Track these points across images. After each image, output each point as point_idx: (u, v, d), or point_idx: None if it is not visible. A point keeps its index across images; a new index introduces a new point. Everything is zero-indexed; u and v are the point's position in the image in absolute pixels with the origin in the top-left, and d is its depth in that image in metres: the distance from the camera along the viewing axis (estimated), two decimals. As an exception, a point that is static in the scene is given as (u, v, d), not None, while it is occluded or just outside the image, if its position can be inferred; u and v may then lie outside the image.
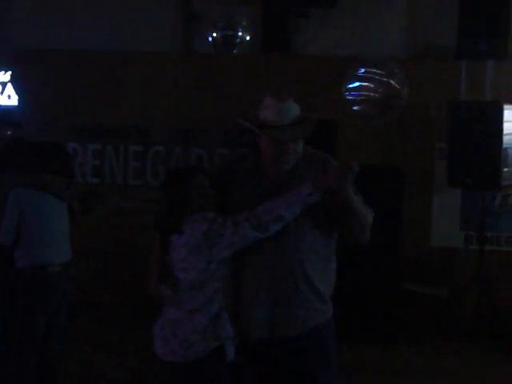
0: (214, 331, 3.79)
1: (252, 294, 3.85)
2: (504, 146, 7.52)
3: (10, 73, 8.93)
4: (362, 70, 7.76)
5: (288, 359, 3.91)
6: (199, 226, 3.74)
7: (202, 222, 3.75)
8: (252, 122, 3.95)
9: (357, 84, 7.71)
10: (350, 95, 7.76)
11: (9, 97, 8.95)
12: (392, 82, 7.71)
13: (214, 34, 8.76)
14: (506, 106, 7.54)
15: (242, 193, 3.91)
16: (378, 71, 7.72)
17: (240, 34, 8.69)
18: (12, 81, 8.94)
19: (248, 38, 8.75)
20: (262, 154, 3.95)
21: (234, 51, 8.82)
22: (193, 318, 3.78)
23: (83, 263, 5.85)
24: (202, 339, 3.78)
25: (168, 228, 3.83)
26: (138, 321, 7.87)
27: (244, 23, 8.84)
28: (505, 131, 7.51)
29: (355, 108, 7.79)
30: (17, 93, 8.93)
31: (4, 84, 8.94)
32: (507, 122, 7.56)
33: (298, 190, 3.74)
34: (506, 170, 7.58)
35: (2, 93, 8.95)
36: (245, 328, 3.87)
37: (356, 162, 3.73)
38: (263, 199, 3.79)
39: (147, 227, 8.31)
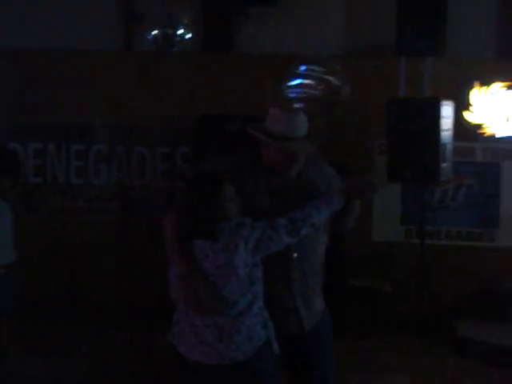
0: (258, 330, 3.89)
1: (283, 291, 4.10)
2: (442, 141, 7.64)
3: None
4: (303, 68, 7.82)
5: (311, 345, 4.22)
6: (237, 232, 3.81)
7: (239, 227, 3.82)
8: (260, 132, 4.16)
9: (298, 81, 7.77)
10: (291, 93, 7.81)
11: None
12: (332, 79, 7.78)
13: (155, 33, 8.73)
14: (443, 103, 7.66)
15: (254, 198, 4.05)
16: (319, 69, 7.79)
17: (180, 32, 8.67)
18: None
19: (188, 36, 8.74)
20: (263, 160, 4.17)
21: (175, 49, 8.79)
22: (236, 322, 3.84)
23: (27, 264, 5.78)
24: (247, 340, 3.85)
25: (203, 236, 3.82)
26: (82, 319, 7.89)
27: (185, 21, 8.82)
28: (443, 127, 7.63)
29: (296, 105, 7.84)
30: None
31: None
32: (445, 118, 7.69)
33: (328, 198, 4.01)
34: (444, 165, 7.70)
35: None
36: (279, 324, 4.04)
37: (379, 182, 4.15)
38: (277, 204, 4.01)
39: (91, 226, 8.41)
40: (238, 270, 3.80)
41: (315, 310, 4.26)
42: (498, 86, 8.18)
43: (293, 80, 7.81)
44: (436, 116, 7.60)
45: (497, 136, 8.32)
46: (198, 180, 3.96)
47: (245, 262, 3.81)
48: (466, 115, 8.29)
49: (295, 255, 4.12)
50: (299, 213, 3.91)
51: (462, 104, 8.19)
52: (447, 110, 7.76)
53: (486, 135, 8.34)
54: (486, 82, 8.19)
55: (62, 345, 7.38)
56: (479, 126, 8.35)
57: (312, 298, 4.26)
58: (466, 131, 8.32)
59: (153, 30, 8.69)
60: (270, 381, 3.95)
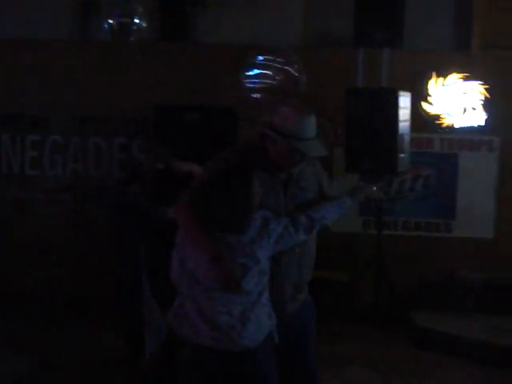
0: (265, 320, 4.01)
1: (281, 287, 4.28)
2: (400, 132, 7.65)
3: None
4: (261, 58, 7.79)
5: (295, 331, 4.42)
6: (264, 226, 3.95)
7: (265, 221, 3.97)
8: (268, 128, 4.21)
9: (256, 72, 7.74)
10: (248, 83, 7.78)
11: None
12: (290, 69, 7.77)
13: (111, 22, 8.63)
14: (401, 93, 7.67)
15: (266, 192, 4.13)
16: (277, 59, 7.77)
17: (136, 21, 8.59)
18: None
19: (144, 25, 8.66)
20: (269, 155, 4.24)
21: (131, 39, 8.70)
22: (248, 311, 3.93)
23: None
24: (257, 329, 3.95)
25: (234, 229, 3.89)
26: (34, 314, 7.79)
27: (140, 10, 8.73)
28: (400, 118, 7.64)
29: (254, 95, 7.82)
30: None
31: None
32: (403, 108, 7.70)
33: (341, 202, 4.29)
34: (402, 155, 7.71)
35: None
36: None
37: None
38: (282, 198, 4.22)
39: (47, 217, 8.31)
40: (259, 262, 3.93)
41: (301, 298, 4.48)
42: (454, 77, 8.22)
43: (251, 70, 7.79)
44: (394, 107, 7.60)
45: (454, 127, 8.37)
46: (227, 174, 3.94)
47: (266, 254, 3.97)
48: (425, 106, 8.33)
49: (297, 250, 4.29)
50: (316, 212, 4.14)
51: (419, 95, 8.22)
52: (405, 101, 7.76)
53: (443, 126, 8.38)
54: (442, 73, 8.23)
55: (11, 339, 7.29)
56: (437, 117, 8.39)
57: (303, 288, 4.49)
58: (424, 122, 8.36)
59: (109, 19, 8.59)
60: (272, 369, 4.06)
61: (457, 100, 8.27)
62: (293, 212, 4.20)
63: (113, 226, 6.81)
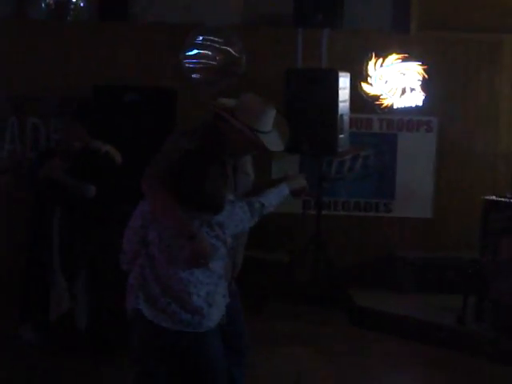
0: (222, 300, 4.09)
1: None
2: (339, 112, 7.67)
3: None
4: (200, 38, 7.76)
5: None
6: (234, 208, 4.02)
7: (233, 204, 4.04)
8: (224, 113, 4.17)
9: (195, 52, 7.71)
10: (188, 63, 7.74)
11: None
12: (230, 49, 7.76)
13: (48, 1, 8.49)
14: (341, 74, 7.69)
15: None
16: (216, 39, 7.74)
17: (74, 0, 8.46)
18: None
19: (82, 4, 8.53)
20: (223, 140, 4.22)
21: (69, 18, 8.57)
22: (215, 291, 4.02)
23: None
24: (218, 310, 4.05)
25: (211, 209, 3.93)
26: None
27: (78, -11, 8.61)
28: (340, 98, 7.67)
29: (194, 76, 7.78)
30: None
31: None
32: (342, 89, 7.73)
33: (281, 191, 4.26)
34: (341, 136, 7.74)
35: None
36: None
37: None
38: (232, 182, 4.24)
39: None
40: (225, 244, 4.00)
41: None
42: (393, 58, 8.26)
43: (190, 50, 7.76)
44: (333, 87, 7.63)
45: (393, 107, 8.42)
46: (202, 156, 3.96)
47: (230, 237, 4.03)
48: (364, 87, 8.36)
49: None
50: (265, 199, 4.15)
51: (358, 75, 8.25)
52: (344, 82, 7.79)
53: (383, 107, 8.43)
54: (381, 53, 8.27)
55: None
56: (376, 98, 8.43)
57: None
58: (363, 102, 8.39)
59: (46, -2, 8.46)
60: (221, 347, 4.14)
61: (395, 81, 8.32)
62: (242, 197, 4.22)
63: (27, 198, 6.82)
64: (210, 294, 3.98)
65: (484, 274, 7.09)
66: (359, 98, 8.26)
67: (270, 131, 4.23)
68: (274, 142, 4.25)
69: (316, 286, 7.94)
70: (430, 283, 8.12)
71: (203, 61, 7.70)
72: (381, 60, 8.29)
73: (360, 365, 6.70)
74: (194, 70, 7.74)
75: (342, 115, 7.74)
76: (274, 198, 4.21)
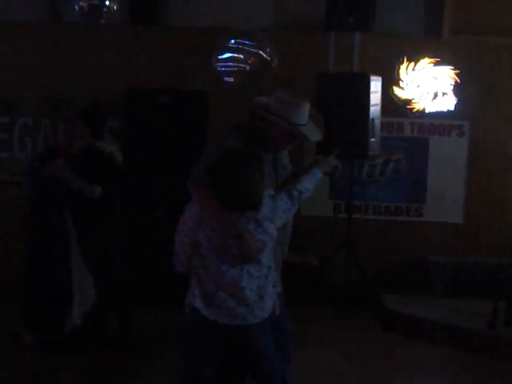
0: (272, 290, 4.27)
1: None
2: (371, 116, 7.66)
3: None
4: (232, 41, 7.77)
5: None
6: (275, 203, 4.19)
7: (274, 198, 4.20)
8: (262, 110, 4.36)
9: (227, 55, 7.72)
10: (220, 66, 7.76)
11: None
12: (262, 53, 7.76)
13: (81, 4, 8.56)
14: (372, 78, 7.68)
15: None
16: (248, 42, 7.75)
17: (107, 3, 8.53)
18: None
19: (115, 7, 8.59)
20: (263, 136, 4.38)
21: (102, 21, 8.64)
22: (266, 284, 4.19)
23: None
24: (269, 300, 4.22)
25: (250, 207, 4.10)
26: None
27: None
28: (371, 102, 7.66)
29: (226, 79, 7.80)
30: None
31: None
32: (373, 93, 7.72)
33: (314, 174, 4.39)
34: (372, 140, 7.73)
35: None
36: None
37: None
38: (273, 176, 4.43)
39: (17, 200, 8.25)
40: (272, 238, 4.19)
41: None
42: (425, 62, 8.25)
43: (222, 54, 7.77)
44: (365, 91, 7.61)
45: (425, 111, 8.40)
46: (242, 155, 4.11)
47: (276, 230, 4.22)
48: (396, 91, 8.36)
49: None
50: (301, 185, 4.32)
51: (390, 79, 8.24)
52: (376, 85, 7.78)
53: (414, 111, 8.42)
54: (413, 57, 8.26)
55: None
56: (408, 102, 8.42)
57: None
58: (395, 106, 8.38)
59: (79, 1, 8.51)
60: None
61: (427, 85, 8.31)
62: (281, 186, 4.40)
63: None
64: (261, 286, 4.16)
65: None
66: (391, 102, 8.27)
67: (307, 123, 4.42)
68: (313, 133, 4.46)
69: (346, 289, 7.93)
70: (461, 288, 8.09)
71: (235, 64, 7.72)
72: (413, 64, 8.29)
73: (390, 369, 6.68)
74: (226, 74, 7.75)
75: (373, 119, 7.73)
76: (309, 183, 4.36)
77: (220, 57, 7.75)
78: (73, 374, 6.33)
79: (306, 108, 4.40)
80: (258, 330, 4.19)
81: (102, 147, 6.73)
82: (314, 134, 4.48)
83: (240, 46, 7.76)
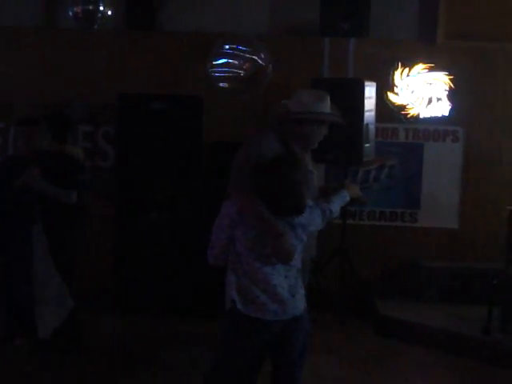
0: (302, 290, 4.48)
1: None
2: (365, 122, 7.67)
3: None
4: (227, 47, 7.77)
5: None
6: (313, 210, 4.41)
7: (313, 206, 4.42)
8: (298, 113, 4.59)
9: (222, 61, 7.72)
10: (215, 72, 7.76)
11: None
12: (257, 58, 7.76)
13: (75, 9, 8.55)
14: (366, 83, 7.69)
15: None
16: (243, 48, 7.75)
17: (101, 8, 8.51)
18: None
19: (110, 13, 8.58)
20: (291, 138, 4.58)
21: (96, 26, 8.63)
22: (297, 282, 4.41)
23: None
24: (301, 298, 4.44)
25: (295, 211, 4.29)
26: None
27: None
28: (366, 108, 7.67)
29: (221, 85, 7.81)
30: None
31: None
32: (368, 98, 7.73)
33: (343, 197, 4.66)
34: (367, 145, 7.74)
35: None
36: None
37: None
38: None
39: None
40: (302, 243, 4.41)
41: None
42: (419, 68, 8.26)
43: (218, 59, 7.77)
44: (359, 96, 7.63)
45: (420, 117, 8.41)
46: (285, 159, 4.30)
47: (306, 237, 4.43)
48: (390, 96, 8.36)
49: None
50: (332, 205, 4.54)
51: (385, 85, 8.25)
52: (370, 91, 7.79)
53: (409, 116, 8.42)
54: (408, 63, 8.26)
55: None
56: (402, 107, 8.42)
57: None
58: (389, 112, 8.38)
59: (73, 7, 8.50)
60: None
61: (422, 90, 8.31)
62: (317, 200, 4.58)
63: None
64: (292, 286, 4.37)
65: (509, 285, 7.06)
66: (385, 108, 8.26)
67: (332, 111, 4.73)
68: (339, 118, 4.81)
69: (341, 295, 7.93)
70: (455, 293, 8.10)
71: (230, 70, 7.72)
72: (407, 69, 8.29)
73: (384, 374, 6.70)
74: (220, 79, 7.76)
75: (367, 125, 7.74)
76: (338, 205, 4.61)
77: (215, 62, 7.75)
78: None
79: (327, 98, 4.67)
80: (291, 325, 4.38)
81: (72, 152, 6.77)
82: (340, 119, 4.80)
83: (235, 52, 7.76)
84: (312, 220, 4.41)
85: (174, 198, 8.02)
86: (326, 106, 4.66)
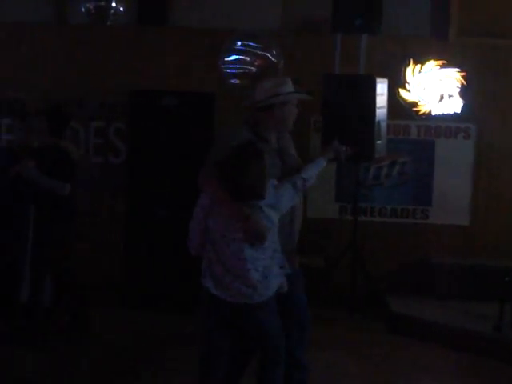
0: (278, 270, 4.60)
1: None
2: (377, 118, 7.66)
3: None
4: (239, 43, 7.77)
5: None
6: (277, 192, 4.57)
7: (277, 188, 4.59)
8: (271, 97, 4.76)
9: (234, 57, 7.72)
10: (227, 68, 7.77)
11: None
12: (268, 54, 7.75)
13: (88, 5, 8.57)
14: (378, 80, 7.68)
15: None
16: (255, 44, 7.75)
17: (114, 4, 8.54)
18: None
19: (122, 9, 8.60)
20: (262, 126, 4.77)
21: (108, 23, 8.65)
22: (270, 265, 4.54)
23: None
24: (275, 279, 4.57)
25: (256, 196, 4.47)
26: None
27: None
28: (377, 104, 7.66)
29: (233, 81, 7.81)
30: None
31: None
32: (380, 95, 7.72)
33: (318, 163, 4.82)
34: (378, 142, 7.73)
35: None
36: None
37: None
38: (279, 165, 4.74)
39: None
40: (274, 223, 4.55)
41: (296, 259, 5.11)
42: (431, 65, 8.24)
43: (229, 56, 7.77)
44: (371, 93, 7.62)
45: (431, 114, 8.40)
46: (244, 151, 4.48)
47: (277, 216, 4.59)
48: (402, 93, 8.35)
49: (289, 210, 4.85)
50: (305, 174, 4.71)
51: (396, 81, 8.24)
52: (382, 88, 7.78)
53: (420, 113, 8.41)
54: (420, 60, 8.25)
55: None
56: (414, 104, 8.42)
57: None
58: (401, 109, 8.38)
59: (86, 3, 8.53)
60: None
61: (434, 87, 8.30)
62: (289, 175, 4.72)
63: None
64: (267, 266, 4.51)
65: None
66: (397, 104, 8.26)
67: (296, 91, 4.87)
68: (304, 95, 4.99)
69: (352, 291, 7.93)
70: (467, 290, 8.08)
71: (242, 66, 7.72)
72: (419, 66, 8.29)
73: (395, 371, 6.68)
74: (232, 76, 7.76)
75: (379, 121, 7.73)
76: (312, 171, 4.75)
77: (227, 59, 7.75)
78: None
79: (288, 80, 4.83)
80: (263, 308, 4.53)
81: (66, 147, 6.89)
82: (305, 96, 5.00)
83: (247, 48, 7.76)
84: (280, 197, 4.57)
85: (184, 194, 8.01)
86: (289, 86, 4.81)
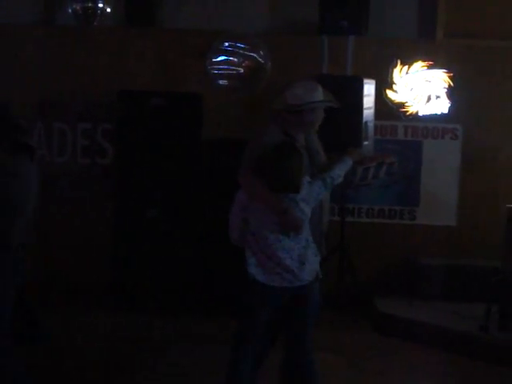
0: (314, 258, 4.99)
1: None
2: (364, 119, 7.67)
3: None
4: (226, 44, 7.79)
5: None
6: (311, 187, 4.89)
7: (311, 183, 4.90)
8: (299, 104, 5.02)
9: (222, 58, 7.73)
10: (214, 69, 7.77)
11: None
12: (256, 56, 7.78)
13: (75, 6, 8.56)
14: (365, 81, 7.69)
15: None
16: (242, 45, 7.76)
17: (101, 5, 8.53)
18: None
19: (109, 10, 8.60)
20: (291, 127, 5.04)
21: (95, 24, 8.64)
22: (306, 252, 4.90)
23: None
24: (311, 265, 4.95)
25: (292, 190, 4.79)
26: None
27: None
28: (365, 105, 7.67)
29: (220, 82, 7.82)
30: None
31: None
32: (367, 96, 7.73)
33: (345, 162, 5.16)
34: (366, 143, 7.74)
35: None
36: None
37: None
38: (308, 162, 4.99)
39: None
40: (307, 216, 4.90)
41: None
42: (418, 65, 8.25)
43: (217, 56, 7.79)
44: (358, 94, 7.63)
45: (419, 115, 8.41)
46: (286, 146, 4.83)
47: (310, 210, 4.92)
48: (389, 94, 8.35)
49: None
50: (333, 172, 5.03)
51: (384, 82, 8.25)
52: (369, 88, 7.79)
53: (408, 114, 8.42)
54: (407, 61, 8.26)
55: None
56: (401, 105, 8.42)
57: None
58: (388, 109, 8.38)
59: (73, 4, 8.52)
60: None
61: (421, 88, 8.31)
62: (318, 173, 5.05)
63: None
64: (302, 254, 4.87)
65: (507, 283, 7.07)
66: (384, 105, 8.26)
67: (325, 97, 5.15)
68: (334, 103, 5.20)
69: (339, 292, 7.93)
70: (454, 291, 8.10)
71: (229, 67, 7.73)
72: (406, 67, 8.27)
73: (382, 372, 6.70)
74: (220, 76, 7.77)
75: (366, 122, 7.73)
76: (340, 170, 5.09)
77: (214, 59, 7.77)
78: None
79: (319, 86, 5.12)
80: (305, 290, 4.94)
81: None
82: (335, 103, 5.19)
83: (234, 49, 7.78)
84: (312, 192, 4.89)
85: (172, 195, 8.03)
86: (320, 93, 5.09)
